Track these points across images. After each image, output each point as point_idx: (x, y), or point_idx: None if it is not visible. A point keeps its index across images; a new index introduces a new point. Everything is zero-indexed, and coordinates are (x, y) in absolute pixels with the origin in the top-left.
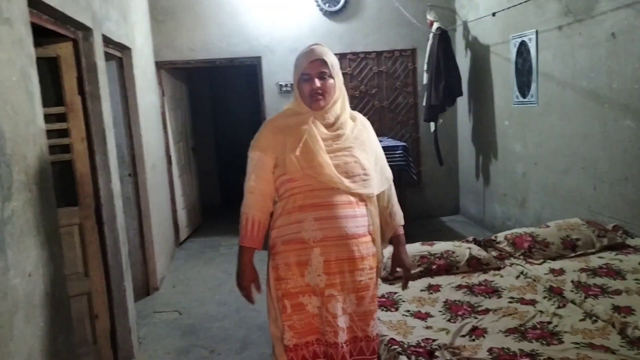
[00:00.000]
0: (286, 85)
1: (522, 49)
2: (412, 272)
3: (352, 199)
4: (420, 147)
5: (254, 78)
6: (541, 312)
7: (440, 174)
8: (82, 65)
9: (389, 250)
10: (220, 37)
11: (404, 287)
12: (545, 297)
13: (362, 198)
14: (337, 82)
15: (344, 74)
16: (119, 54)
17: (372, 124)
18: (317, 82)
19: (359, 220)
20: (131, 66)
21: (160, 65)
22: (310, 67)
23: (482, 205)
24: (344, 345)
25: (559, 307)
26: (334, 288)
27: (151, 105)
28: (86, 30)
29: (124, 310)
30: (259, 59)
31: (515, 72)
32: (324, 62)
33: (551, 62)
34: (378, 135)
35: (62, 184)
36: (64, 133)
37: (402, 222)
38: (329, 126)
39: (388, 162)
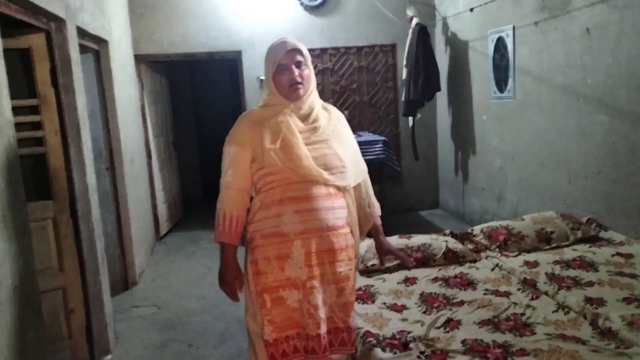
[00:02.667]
0: None
1: (500, 44)
2: (389, 265)
3: (330, 190)
4: (400, 141)
5: (235, 72)
6: (515, 303)
7: (419, 168)
8: (56, 57)
9: (366, 243)
10: (200, 30)
11: (409, 263)
12: (519, 289)
13: (340, 190)
14: (311, 73)
15: (325, 69)
16: (96, 47)
17: (353, 118)
18: (296, 71)
19: (337, 212)
20: (108, 59)
21: (139, 59)
22: (287, 57)
23: (461, 199)
24: (326, 336)
25: (532, 299)
26: (315, 280)
27: (130, 98)
28: (59, 21)
29: (99, 305)
30: (239, 53)
31: (493, 67)
32: (300, 52)
33: (528, 57)
34: (358, 129)
35: (36, 177)
36: (38, 126)
37: (380, 213)
38: (304, 118)
39: (369, 155)
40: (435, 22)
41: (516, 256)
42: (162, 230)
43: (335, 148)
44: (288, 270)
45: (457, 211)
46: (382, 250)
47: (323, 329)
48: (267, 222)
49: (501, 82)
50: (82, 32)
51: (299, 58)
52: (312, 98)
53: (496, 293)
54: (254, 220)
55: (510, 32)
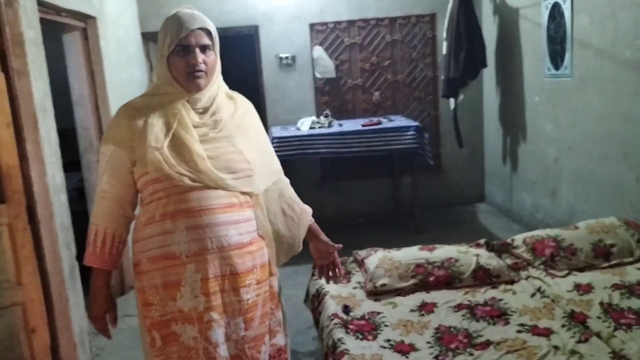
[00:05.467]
0: (287, 58)
1: (555, 12)
2: (405, 284)
3: (234, 200)
4: (439, 126)
5: (251, 50)
6: (556, 347)
7: (462, 157)
8: (6, 37)
9: (377, 256)
10: (213, 4)
11: (339, 277)
12: (564, 326)
13: (247, 197)
14: (218, 59)
15: (352, 44)
16: (82, 25)
17: (384, 100)
18: (200, 57)
19: (242, 226)
20: (97, 38)
21: (147, 37)
22: (190, 37)
23: (509, 193)
24: None
25: (579, 342)
26: (214, 311)
27: (132, 81)
28: None
29: (66, 323)
30: (256, 28)
31: (547, 39)
32: (208, 32)
33: (588, 26)
34: (391, 112)
35: None
36: None
37: (310, 212)
38: (202, 110)
39: (397, 144)
40: None
41: (565, 276)
42: None
43: (239, 146)
44: (180, 300)
45: (504, 207)
46: (318, 256)
47: None
48: (154, 241)
49: (556, 57)
50: (52, 8)
51: (206, 41)
52: (216, 87)
53: (534, 330)
54: (139, 238)
55: None
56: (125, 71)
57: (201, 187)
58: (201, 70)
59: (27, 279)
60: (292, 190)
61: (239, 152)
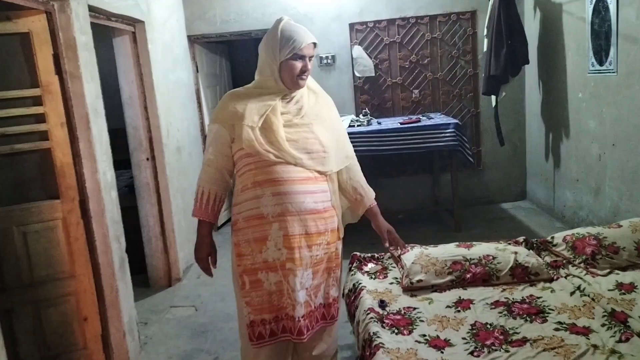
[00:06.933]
0: (327, 58)
1: (600, 5)
2: (442, 280)
3: (310, 174)
4: (480, 123)
5: None
6: (595, 347)
7: (503, 154)
8: (59, 41)
9: (414, 252)
10: (255, 6)
11: (401, 247)
12: (604, 325)
13: (322, 174)
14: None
15: (392, 43)
16: (131, 29)
17: (424, 98)
18: (309, 64)
19: (317, 195)
20: (145, 41)
21: (193, 40)
22: (307, 49)
23: (552, 190)
24: (301, 319)
25: (620, 341)
26: (293, 262)
27: (179, 83)
28: (61, 0)
29: (116, 313)
30: None
31: (591, 34)
32: (315, 46)
33: (634, 21)
34: (431, 110)
35: (43, 174)
36: (42, 118)
37: (374, 195)
38: (289, 100)
39: (437, 142)
40: None
41: (607, 275)
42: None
43: (317, 132)
44: (266, 252)
45: (546, 205)
46: (382, 230)
47: (298, 312)
48: (247, 204)
49: (601, 52)
50: (103, 13)
51: (313, 52)
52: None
53: (572, 329)
54: (236, 202)
55: None
56: (172, 73)
57: (283, 162)
58: (306, 74)
59: (79, 270)
60: (361, 174)
61: (315, 137)
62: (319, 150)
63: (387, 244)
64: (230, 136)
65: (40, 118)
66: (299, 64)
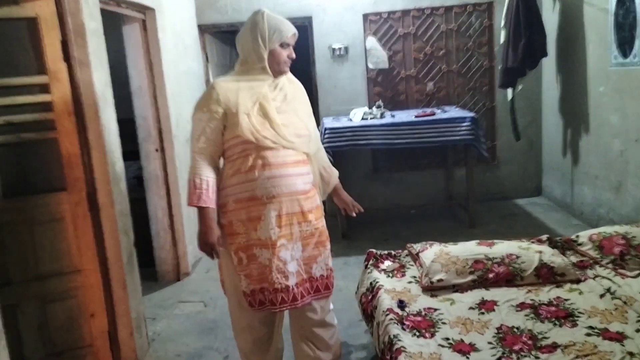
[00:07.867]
0: (340, 49)
1: None
2: (463, 280)
3: (299, 157)
4: (495, 117)
5: (304, 41)
6: (631, 354)
7: (519, 149)
8: (68, 27)
9: (433, 250)
10: None
11: (353, 211)
12: (638, 331)
13: (306, 156)
14: None
15: (406, 34)
16: (141, 16)
17: (439, 90)
18: (293, 53)
19: (305, 177)
20: (155, 29)
21: (203, 29)
22: (292, 38)
23: (570, 187)
24: (294, 287)
25: None
26: (285, 238)
27: (189, 73)
28: None
29: (124, 309)
30: (309, 19)
31: (615, 26)
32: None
33: None
34: (445, 103)
35: (50, 165)
36: (49, 107)
37: (337, 175)
38: (274, 87)
39: (453, 136)
40: None
41: (636, 276)
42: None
43: (301, 117)
44: (260, 231)
45: (563, 201)
46: (347, 202)
47: (291, 280)
48: (239, 187)
49: (625, 44)
50: None
51: (294, 41)
52: None
53: (605, 334)
54: (227, 185)
55: None
56: (182, 62)
57: (278, 147)
58: (289, 61)
59: (86, 264)
60: (326, 156)
61: (301, 121)
62: (305, 134)
63: (353, 213)
64: (223, 124)
65: (47, 106)
66: (285, 52)
